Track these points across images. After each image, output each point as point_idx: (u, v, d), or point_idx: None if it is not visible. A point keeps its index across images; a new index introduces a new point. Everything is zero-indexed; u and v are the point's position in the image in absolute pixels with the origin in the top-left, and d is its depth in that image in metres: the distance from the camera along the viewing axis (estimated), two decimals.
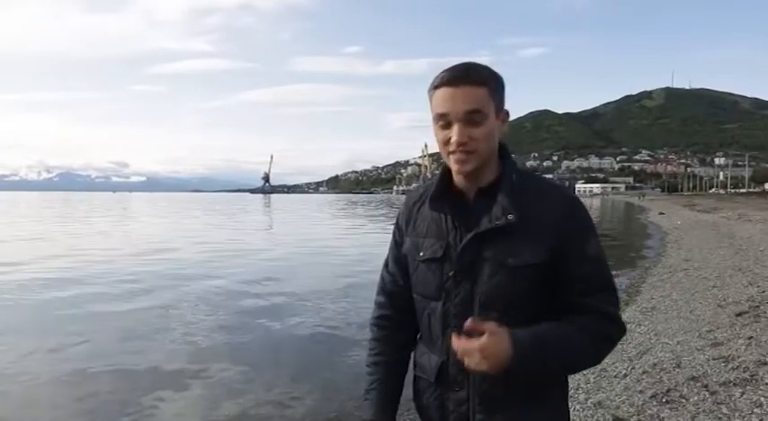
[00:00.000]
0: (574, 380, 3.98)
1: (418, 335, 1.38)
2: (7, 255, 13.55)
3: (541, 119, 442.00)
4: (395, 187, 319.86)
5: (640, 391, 3.71)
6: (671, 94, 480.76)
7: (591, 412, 3.47)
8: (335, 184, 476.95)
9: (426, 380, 1.31)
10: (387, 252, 1.45)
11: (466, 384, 1.23)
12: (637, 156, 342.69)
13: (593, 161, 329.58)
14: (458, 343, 1.09)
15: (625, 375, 4.10)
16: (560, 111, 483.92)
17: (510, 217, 1.17)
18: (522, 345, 1.08)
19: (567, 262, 1.19)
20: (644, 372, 4.08)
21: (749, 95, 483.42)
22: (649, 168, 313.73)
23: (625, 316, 5.68)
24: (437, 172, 1.39)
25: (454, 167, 1.21)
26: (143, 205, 66.36)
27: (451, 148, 1.18)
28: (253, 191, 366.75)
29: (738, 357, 4.08)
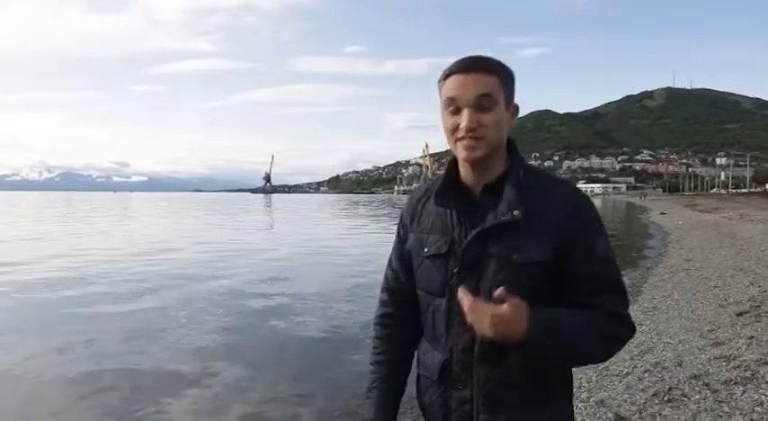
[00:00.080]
0: (576, 378, 3.99)
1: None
2: (11, 256, 13.57)
3: (542, 119, 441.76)
4: (396, 187, 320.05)
5: (642, 390, 3.73)
6: (672, 93, 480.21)
7: (593, 410, 3.49)
8: (336, 184, 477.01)
9: (429, 378, 1.30)
10: (390, 250, 1.43)
11: (469, 383, 1.21)
12: (638, 157, 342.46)
13: (595, 161, 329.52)
14: (468, 299, 1.06)
15: (627, 374, 4.12)
16: (561, 111, 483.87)
17: (516, 213, 1.15)
18: (538, 324, 1.05)
19: (574, 261, 1.16)
20: (645, 371, 4.10)
21: (750, 95, 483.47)
22: (650, 168, 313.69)
23: None
24: (438, 172, 1.38)
25: (462, 154, 1.18)
26: (144, 205, 66.40)
27: (460, 134, 1.16)
28: (254, 191, 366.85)
29: (739, 356, 4.11)
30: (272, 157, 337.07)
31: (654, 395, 3.59)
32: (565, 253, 1.16)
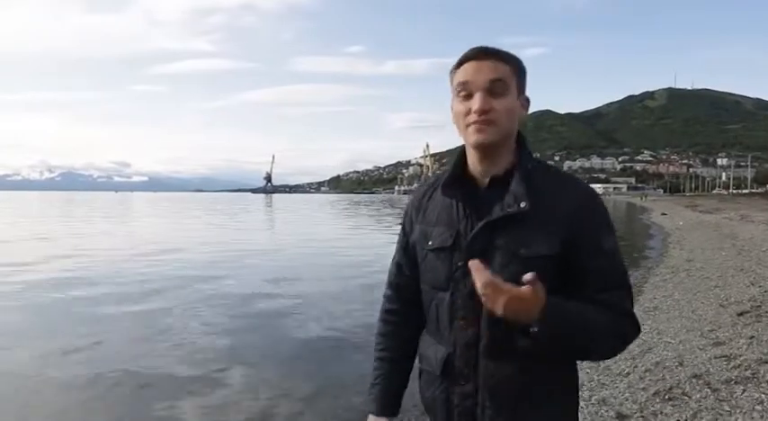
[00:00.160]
0: None
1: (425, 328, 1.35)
2: (16, 256, 13.60)
3: (543, 119, 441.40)
4: (396, 187, 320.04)
5: (643, 389, 3.76)
6: (673, 94, 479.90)
7: (595, 409, 3.52)
8: (337, 184, 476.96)
9: (432, 373, 1.28)
10: (394, 248, 1.43)
11: (473, 378, 1.20)
12: (639, 157, 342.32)
13: (596, 161, 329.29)
14: (484, 274, 1.01)
15: (628, 373, 4.15)
16: (562, 112, 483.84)
17: (522, 205, 1.13)
18: (551, 308, 1.03)
19: (581, 255, 1.15)
20: (647, 370, 4.13)
21: (752, 96, 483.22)
22: (651, 169, 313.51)
23: None
24: (439, 172, 1.37)
25: (472, 138, 1.16)
26: (146, 205, 66.44)
27: (471, 119, 1.15)
28: (254, 191, 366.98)
29: (740, 356, 4.14)
30: (273, 157, 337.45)
31: (655, 394, 3.62)
32: (573, 246, 1.14)
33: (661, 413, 3.32)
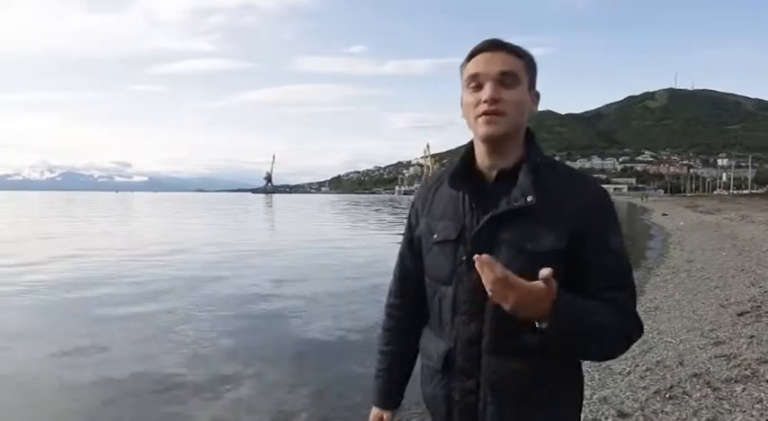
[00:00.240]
0: None
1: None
2: (17, 256, 13.62)
3: (544, 119, 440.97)
4: (397, 187, 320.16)
5: (644, 388, 3.80)
6: (674, 94, 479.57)
7: (596, 407, 3.56)
8: (338, 184, 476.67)
9: (432, 368, 1.27)
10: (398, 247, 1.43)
11: (475, 373, 1.19)
12: (639, 157, 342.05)
13: (596, 162, 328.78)
14: (495, 268, 0.95)
15: (629, 372, 4.19)
16: (563, 112, 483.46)
17: (529, 199, 1.12)
18: (561, 304, 0.99)
19: (588, 252, 1.13)
20: (647, 370, 4.17)
21: (752, 96, 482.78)
22: (652, 169, 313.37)
23: None
24: (443, 168, 1.36)
25: (482, 130, 1.15)
26: (146, 205, 66.46)
27: (481, 110, 1.14)
28: (255, 191, 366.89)
29: (740, 355, 4.17)
30: (274, 157, 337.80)
31: (655, 392, 3.66)
32: (579, 243, 1.13)
33: (662, 411, 3.36)
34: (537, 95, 1.22)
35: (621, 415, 3.41)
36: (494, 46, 1.16)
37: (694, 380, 3.79)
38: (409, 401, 1.51)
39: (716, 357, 4.21)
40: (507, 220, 1.14)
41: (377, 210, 49.24)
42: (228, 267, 11.87)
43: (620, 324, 1.11)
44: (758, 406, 3.25)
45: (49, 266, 11.77)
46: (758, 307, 5.71)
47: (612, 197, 1.34)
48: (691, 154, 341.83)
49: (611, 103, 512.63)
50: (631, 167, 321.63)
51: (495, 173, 1.20)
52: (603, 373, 4.22)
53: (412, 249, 1.36)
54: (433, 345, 1.28)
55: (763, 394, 3.40)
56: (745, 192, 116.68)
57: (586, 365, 4.28)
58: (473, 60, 1.17)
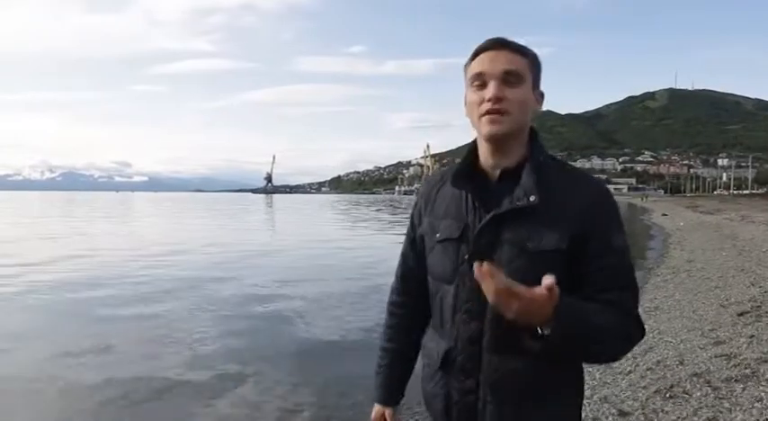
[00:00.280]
0: None
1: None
2: (19, 257, 13.63)
3: (544, 119, 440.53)
4: (397, 188, 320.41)
5: (644, 387, 3.82)
6: (674, 94, 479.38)
7: (597, 406, 3.58)
8: (338, 185, 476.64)
9: (432, 366, 1.28)
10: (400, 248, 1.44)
11: (475, 373, 1.18)
12: (639, 158, 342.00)
13: (596, 162, 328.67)
14: (497, 278, 0.93)
15: (630, 372, 4.21)
16: (563, 112, 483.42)
17: (532, 198, 1.12)
18: (564, 309, 0.98)
19: (590, 252, 1.12)
20: (648, 369, 4.19)
21: (752, 96, 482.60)
22: (652, 169, 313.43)
23: None
24: (445, 168, 1.36)
25: (485, 128, 1.15)
26: (148, 205, 66.50)
27: (484, 109, 1.14)
28: (255, 191, 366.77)
29: (740, 355, 4.20)
30: (274, 158, 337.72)
31: (656, 392, 3.68)
32: (582, 243, 1.12)
33: (662, 410, 3.38)
34: (541, 95, 1.22)
35: (622, 414, 3.43)
36: (498, 44, 1.16)
37: (694, 379, 3.81)
38: (413, 401, 1.51)
39: (716, 357, 4.24)
40: (510, 220, 1.14)
41: (377, 210, 49.27)
42: (230, 268, 11.90)
43: (621, 326, 1.11)
44: (758, 404, 3.28)
45: (51, 267, 11.78)
46: (758, 307, 5.73)
47: None
48: (691, 154, 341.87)
49: (611, 103, 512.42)
50: (631, 167, 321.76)
51: (498, 172, 1.20)
52: (604, 373, 4.24)
53: (414, 248, 1.36)
54: (433, 344, 1.28)
55: (762, 393, 3.42)
56: (745, 192, 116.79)
57: (587, 365, 4.30)
58: (477, 59, 1.17)
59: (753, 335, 4.66)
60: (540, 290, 0.94)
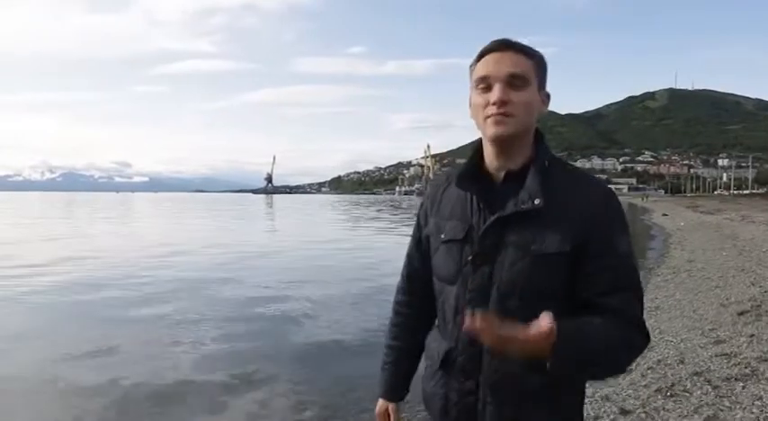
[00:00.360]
0: None
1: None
2: (20, 258, 13.62)
3: (544, 120, 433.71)
4: (397, 188, 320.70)
5: (645, 386, 3.85)
6: (674, 94, 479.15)
7: (598, 405, 3.61)
8: (338, 185, 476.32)
9: (433, 366, 1.28)
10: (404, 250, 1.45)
11: (475, 374, 1.18)
12: (640, 158, 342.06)
13: (596, 162, 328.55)
14: (491, 331, 0.95)
15: (630, 371, 4.23)
16: (563, 112, 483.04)
17: (537, 201, 1.12)
18: (563, 340, 0.98)
19: (594, 254, 1.12)
20: (649, 368, 4.22)
21: (752, 96, 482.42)
22: (652, 169, 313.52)
23: None
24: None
25: (490, 131, 1.15)
26: (148, 206, 66.50)
27: (489, 111, 1.14)
28: (255, 191, 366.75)
29: (740, 354, 4.23)
30: (274, 158, 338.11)
31: (657, 390, 3.71)
32: (585, 245, 1.12)
33: (663, 409, 3.41)
34: (547, 96, 1.22)
35: (623, 412, 3.46)
36: (503, 46, 1.16)
37: (695, 378, 3.84)
38: (415, 400, 1.52)
39: (716, 356, 4.27)
40: (514, 222, 1.14)
41: (378, 211, 49.28)
42: (231, 268, 11.92)
43: (624, 341, 1.10)
44: (758, 403, 3.31)
45: (52, 268, 11.78)
46: (758, 306, 5.76)
47: None
48: (691, 154, 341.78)
49: (612, 103, 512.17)
50: (632, 167, 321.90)
51: (503, 174, 1.20)
52: None
53: (420, 249, 1.37)
54: (435, 344, 1.29)
55: (762, 391, 3.46)
56: (745, 192, 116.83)
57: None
58: (482, 61, 1.17)
59: (753, 335, 4.69)
60: (536, 330, 0.95)
